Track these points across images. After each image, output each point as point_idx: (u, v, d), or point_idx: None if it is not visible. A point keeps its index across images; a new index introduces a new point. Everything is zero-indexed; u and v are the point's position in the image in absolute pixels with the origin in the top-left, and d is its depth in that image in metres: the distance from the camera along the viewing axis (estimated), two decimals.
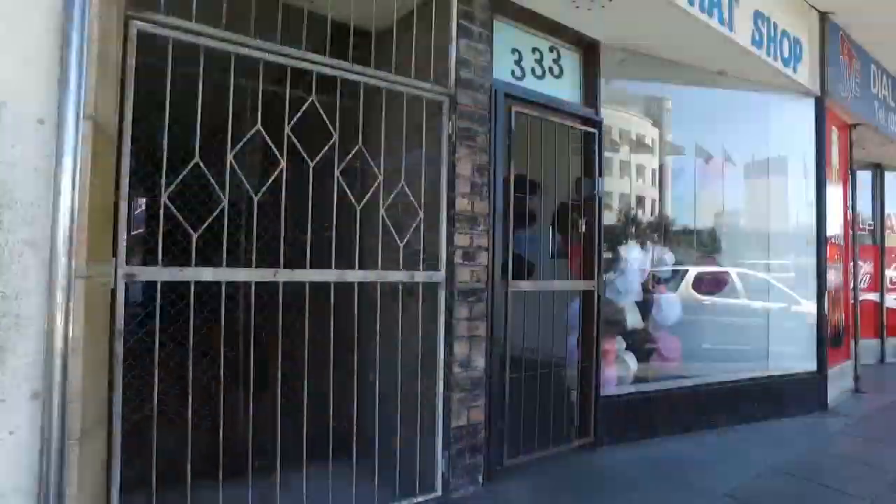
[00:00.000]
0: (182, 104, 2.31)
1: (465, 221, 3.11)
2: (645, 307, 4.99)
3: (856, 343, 6.12)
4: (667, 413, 4.28)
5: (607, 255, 4.93)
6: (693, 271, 5.97)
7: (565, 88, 3.93)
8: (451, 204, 3.09)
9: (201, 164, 2.38)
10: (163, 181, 2.29)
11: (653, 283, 5.15)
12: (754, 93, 5.14)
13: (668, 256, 5.26)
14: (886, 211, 8.30)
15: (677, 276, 5.62)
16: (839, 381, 5.68)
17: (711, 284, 5.51)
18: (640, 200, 5.35)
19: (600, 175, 3.88)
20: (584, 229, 3.93)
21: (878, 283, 8.11)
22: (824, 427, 4.70)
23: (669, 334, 5.02)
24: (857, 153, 7.53)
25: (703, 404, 4.47)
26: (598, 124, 3.93)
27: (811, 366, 5.18)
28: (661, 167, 5.86)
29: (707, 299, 5.91)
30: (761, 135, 5.47)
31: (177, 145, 2.37)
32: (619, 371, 4.55)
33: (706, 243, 5.57)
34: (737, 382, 4.74)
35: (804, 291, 5.32)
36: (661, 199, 5.50)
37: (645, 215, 5.82)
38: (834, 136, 5.76)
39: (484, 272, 3.20)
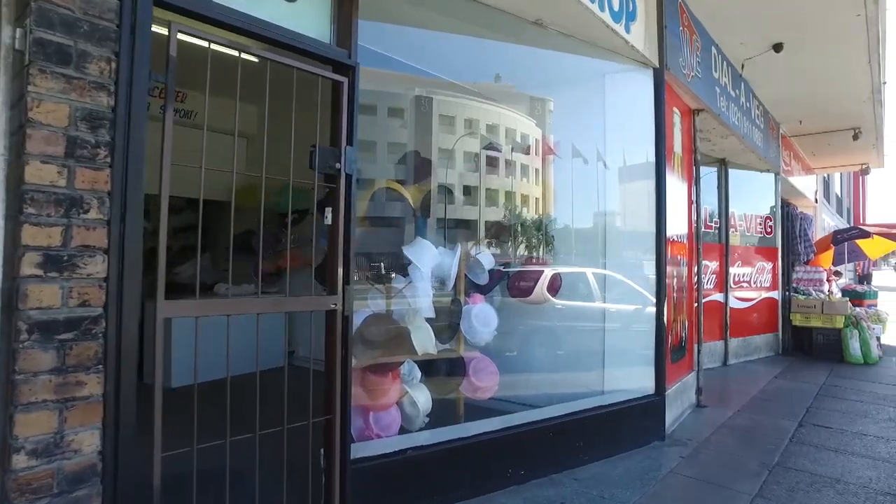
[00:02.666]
0: None
1: (48, 204, 1.79)
2: (451, 322, 3.97)
3: (698, 350, 5.56)
4: (466, 468, 3.22)
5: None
6: (549, 273, 5.11)
7: (305, 18, 2.72)
8: (20, 176, 1.76)
9: None
10: None
11: (468, 291, 4.15)
12: (586, 58, 4.27)
13: (486, 258, 4.27)
14: (730, 209, 8.06)
15: (500, 280, 4.68)
16: (681, 399, 5.04)
17: (523, 290, 4.60)
18: (445, 189, 4.33)
19: (350, 143, 2.71)
20: (328, 222, 2.75)
21: (722, 282, 7.82)
22: (658, 464, 3.91)
23: (483, 356, 4.03)
24: (703, 146, 7.14)
25: (517, 450, 3.48)
26: (350, 71, 2.77)
27: (649, 385, 4.42)
28: (481, 154, 4.92)
29: (561, 304, 5.07)
30: (597, 113, 4.65)
31: None
32: (407, 411, 3.46)
33: (533, 240, 4.68)
34: (562, 419, 3.79)
35: (643, 298, 4.56)
36: (483, 188, 4.54)
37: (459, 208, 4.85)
38: (677, 119, 5.11)
39: (98, 290, 1.89)
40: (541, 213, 5.07)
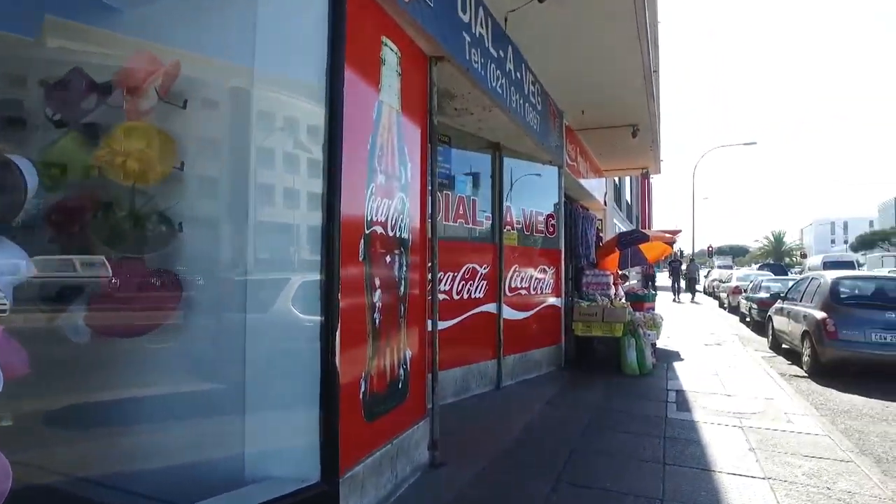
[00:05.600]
0: None
1: None
2: None
3: (434, 388, 4.04)
4: None
5: None
6: (297, 281, 3.15)
7: None
8: None
9: None
10: None
11: None
12: None
13: (21, 263, 2.16)
14: (505, 203, 6.88)
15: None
16: (392, 468, 3.41)
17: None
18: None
19: None
20: None
21: (496, 290, 6.59)
22: None
23: None
24: (467, 121, 5.79)
25: None
26: None
27: (312, 469, 2.69)
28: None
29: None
30: (244, 29, 2.84)
31: None
32: None
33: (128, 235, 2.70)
34: None
35: (302, 326, 2.84)
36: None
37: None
38: (389, 56, 3.50)
39: None
40: None
